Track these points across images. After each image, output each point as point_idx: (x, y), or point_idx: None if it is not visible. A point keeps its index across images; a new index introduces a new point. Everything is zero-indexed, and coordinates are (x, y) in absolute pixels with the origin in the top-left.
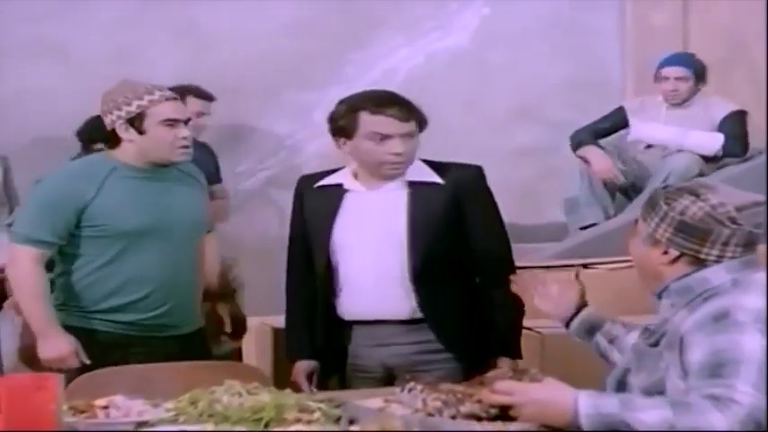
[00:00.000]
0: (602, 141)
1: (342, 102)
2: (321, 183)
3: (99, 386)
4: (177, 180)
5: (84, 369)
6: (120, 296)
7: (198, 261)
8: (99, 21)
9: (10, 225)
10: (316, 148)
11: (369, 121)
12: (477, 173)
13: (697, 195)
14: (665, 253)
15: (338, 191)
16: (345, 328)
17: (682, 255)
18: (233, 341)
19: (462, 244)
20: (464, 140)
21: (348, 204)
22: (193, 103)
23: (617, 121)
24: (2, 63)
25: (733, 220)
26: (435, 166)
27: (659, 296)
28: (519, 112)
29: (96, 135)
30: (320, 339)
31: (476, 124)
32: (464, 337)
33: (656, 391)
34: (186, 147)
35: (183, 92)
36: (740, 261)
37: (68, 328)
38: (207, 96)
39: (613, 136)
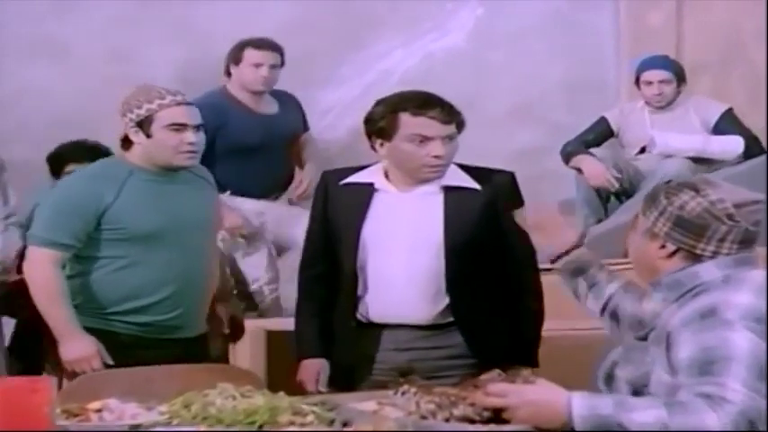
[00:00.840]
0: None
1: (380, 102)
2: (348, 180)
3: (93, 389)
4: (188, 182)
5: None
6: (138, 299)
7: (211, 264)
8: (97, 20)
9: (6, 218)
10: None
11: (410, 124)
12: (511, 179)
13: (696, 191)
14: (663, 247)
15: (367, 189)
16: (365, 329)
17: (678, 249)
18: (231, 343)
19: (496, 250)
20: (460, 140)
21: (379, 204)
22: (252, 55)
23: (601, 132)
24: (0, 62)
25: (730, 217)
26: (470, 170)
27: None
28: (515, 113)
29: (68, 157)
30: (337, 340)
31: (472, 125)
32: (492, 345)
33: (641, 384)
34: (192, 152)
35: (241, 46)
36: (733, 258)
37: (83, 329)
38: (267, 47)
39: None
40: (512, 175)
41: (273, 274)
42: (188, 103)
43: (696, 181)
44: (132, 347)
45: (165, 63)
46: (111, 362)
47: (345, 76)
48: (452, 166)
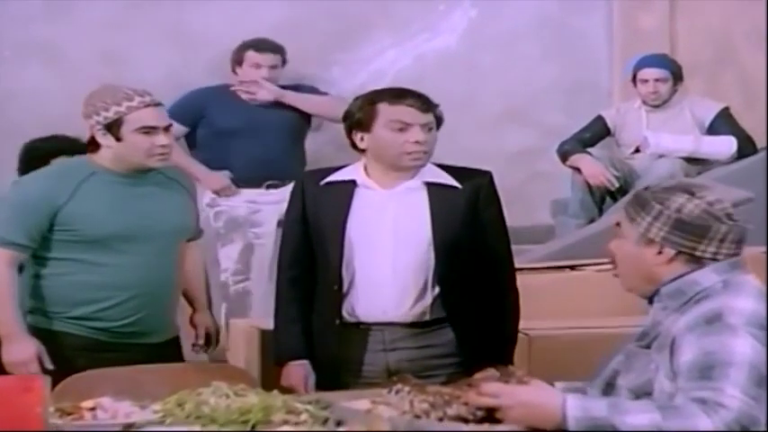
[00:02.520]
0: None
1: (357, 97)
2: (329, 179)
3: (86, 388)
4: (159, 185)
5: (52, 372)
6: (92, 303)
7: (177, 268)
8: (89, 22)
9: None
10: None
11: (388, 111)
12: (490, 178)
13: (691, 193)
14: (660, 252)
15: (349, 187)
16: (349, 329)
17: (678, 253)
18: (204, 351)
19: (478, 248)
20: (452, 142)
21: (362, 201)
22: (252, 57)
23: (598, 131)
24: None
25: (730, 217)
26: (448, 169)
27: (650, 300)
28: (507, 115)
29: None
30: (320, 341)
31: (464, 126)
32: (480, 343)
33: (643, 392)
34: (164, 154)
35: (242, 47)
36: (729, 263)
37: (39, 331)
38: (267, 49)
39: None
40: (490, 175)
41: (242, 267)
42: (156, 104)
43: (684, 184)
44: (90, 350)
45: (157, 65)
46: (50, 367)
47: (337, 77)
48: (430, 165)
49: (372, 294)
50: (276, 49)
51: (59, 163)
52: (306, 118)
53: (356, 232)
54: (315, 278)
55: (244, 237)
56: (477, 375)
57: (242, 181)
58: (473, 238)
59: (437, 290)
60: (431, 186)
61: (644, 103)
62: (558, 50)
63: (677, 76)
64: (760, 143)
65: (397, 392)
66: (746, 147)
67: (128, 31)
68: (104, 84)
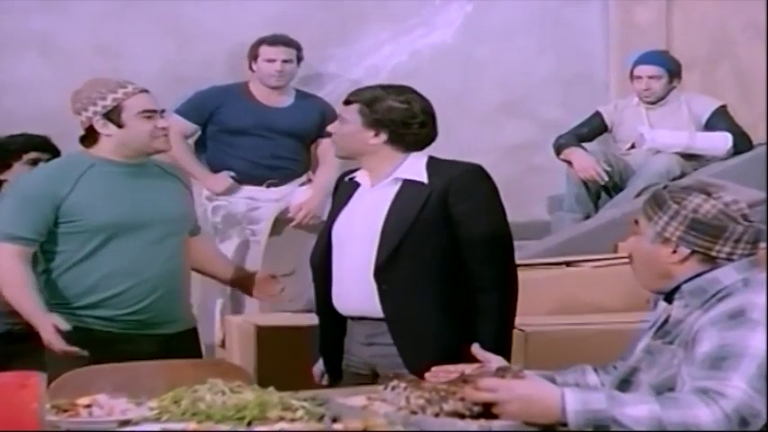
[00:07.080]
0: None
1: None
2: (350, 176)
3: (83, 385)
4: (157, 176)
5: (71, 365)
6: (97, 292)
7: (183, 259)
8: (85, 14)
9: None
10: None
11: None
12: (472, 172)
13: (708, 194)
14: (675, 251)
15: (354, 185)
16: (343, 322)
17: (693, 253)
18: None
19: (444, 245)
20: (448, 137)
21: (354, 198)
22: (266, 51)
23: (595, 126)
24: None
25: (745, 217)
26: (435, 163)
27: (667, 298)
28: (503, 109)
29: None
30: (321, 333)
31: (460, 120)
32: (430, 344)
33: (665, 387)
34: (166, 136)
35: (256, 43)
36: (748, 261)
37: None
38: (281, 43)
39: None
40: (474, 168)
41: (238, 263)
42: (146, 91)
43: (700, 184)
44: (102, 343)
45: (153, 58)
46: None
47: (332, 72)
48: (416, 160)
49: (343, 290)
50: (290, 42)
51: (61, 158)
52: (318, 123)
53: (337, 228)
54: None
55: (241, 233)
56: (474, 371)
57: (245, 179)
58: (436, 234)
59: (383, 287)
60: (404, 182)
61: (640, 99)
62: (555, 44)
63: (674, 73)
64: (756, 138)
65: (393, 389)
66: (742, 143)
67: (124, 24)
68: (90, 79)
